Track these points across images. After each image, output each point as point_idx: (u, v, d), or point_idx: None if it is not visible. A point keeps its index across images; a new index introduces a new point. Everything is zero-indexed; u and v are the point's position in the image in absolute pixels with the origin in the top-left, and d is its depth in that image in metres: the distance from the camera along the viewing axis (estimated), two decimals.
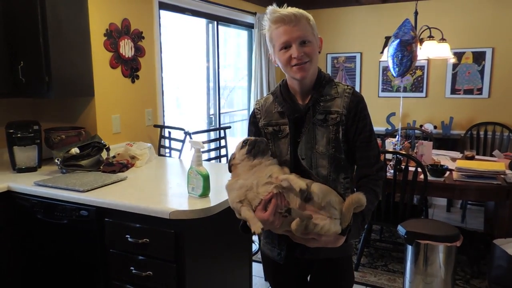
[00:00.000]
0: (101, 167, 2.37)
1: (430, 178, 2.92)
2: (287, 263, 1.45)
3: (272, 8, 1.33)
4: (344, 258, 1.47)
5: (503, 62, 4.38)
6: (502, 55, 4.37)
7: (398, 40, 3.05)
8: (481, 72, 4.47)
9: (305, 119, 1.36)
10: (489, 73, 4.43)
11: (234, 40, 4.85)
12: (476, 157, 3.64)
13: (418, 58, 3.19)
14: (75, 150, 2.35)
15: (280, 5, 1.37)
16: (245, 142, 1.32)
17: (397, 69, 3.11)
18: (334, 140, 1.34)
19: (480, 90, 4.50)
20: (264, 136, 1.43)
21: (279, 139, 1.40)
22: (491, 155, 3.57)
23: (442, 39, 3.48)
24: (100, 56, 2.68)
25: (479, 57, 4.45)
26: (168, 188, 2.13)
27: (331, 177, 1.35)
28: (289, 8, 1.33)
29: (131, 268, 1.80)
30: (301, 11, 1.32)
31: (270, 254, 1.49)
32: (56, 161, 2.28)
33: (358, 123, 1.35)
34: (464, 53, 4.50)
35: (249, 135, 1.50)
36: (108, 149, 2.50)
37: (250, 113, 1.52)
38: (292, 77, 1.36)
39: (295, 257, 1.43)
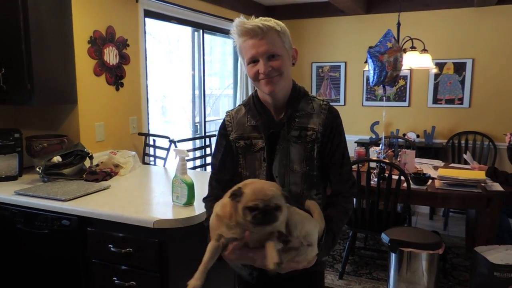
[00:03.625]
0: (84, 176, 2.33)
1: (413, 186, 2.96)
2: (259, 282, 1.36)
3: (238, 20, 1.27)
4: (317, 273, 1.45)
5: (483, 73, 4.49)
6: (482, 66, 4.49)
7: (368, 51, 3.14)
8: (462, 82, 4.57)
9: (280, 135, 1.31)
10: (470, 83, 4.54)
11: (219, 48, 4.87)
12: (456, 165, 3.71)
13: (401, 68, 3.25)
14: (57, 159, 2.31)
15: (259, 15, 1.31)
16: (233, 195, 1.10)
17: (371, 79, 3.20)
18: (309, 157, 1.32)
19: (461, 100, 4.60)
20: (235, 151, 1.37)
21: (251, 154, 1.34)
22: (465, 161, 3.64)
23: (424, 50, 3.56)
24: (84, 63, 2.65)
25: (460, 67, 4.56)
26: (152, 196, 2.11)
27: (303, 194, 1.33)
28: (257, 19, 1.26)
29: (114, 278, 1.77)
30: (269, 22, 1.25)
31: (242, 273, 1.39)
32: (38, 169, 2.24)
33: (333, 140, 1.33)
34: (445, 63, 4.60)
35: (217, 148, 1.43)
36: (91, 157, 2.47)
37: (220, 124, 1.44)
38: (262, 91, 1.32)
39: (267, 276, 1.29)
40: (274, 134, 1.32)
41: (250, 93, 4.94)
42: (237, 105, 4.83)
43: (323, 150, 1.33)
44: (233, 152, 1.38)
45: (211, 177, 1.44)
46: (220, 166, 1.40)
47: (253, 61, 1.26)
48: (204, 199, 1.43)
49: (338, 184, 1.35)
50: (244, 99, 4.72)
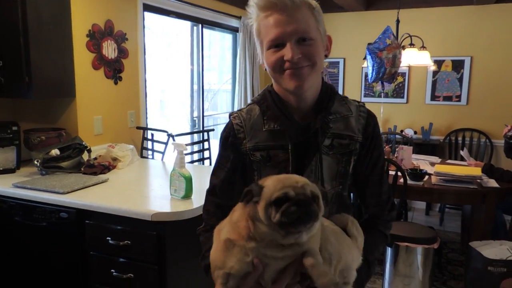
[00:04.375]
0: (82, 169, 2.34)
1: (409, 182, 2.98)
2: None
3: None
4: None
5: (480, 71, 4.51)
6: (480, 64, 4.50)
7: (367, 48, 3.16)
8: (460, 80, 4.58)
9: (309, 144, 1.03)
10: (468, 81, 4.55)
11: (218, 43, 4.86)
12: (453, 162, 3.73)
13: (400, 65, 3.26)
14: (55, 152, 2.32)
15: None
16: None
17: (370, 75, 3.21)
18: (343, 173, 1.06)
19: (458, 97, 4.61)
20: (248, 165, 1.07)
21: (267, 169, 1.04)
22: (462, 158, 3.66)
23: (423, 47, 3.56)
24: (82, 57, 2.65)
25: (458, 65, 4.57)
26: (150, 190, 2.12)
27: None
28: None
29: (112, 270, 1.78)
30: None
31: None
32: (36, 162, 2.24)
33: (373, 152, 1.08)
34: (443, 61, 4.61)
35: (220, 163, 1.11)
36: (89, 151, 2.48)
37: (224, 130, 1.11)
38: (284, 88, 1.01)
39: None
40: (299, 143, 1.03)
41: (248, 89, 4.96)
42: (235, 101, 4.52)
43: (360, 165, 1.08)
44: (244, 168, 1.08)
45: (208, 201, 1.12)
46: (225, 187, 1.09)
47: (276, 45, 0.96)
48: (199, 230, 1.12)
49: (377, 207, 1.11)
50: (242, 95, 4.75)
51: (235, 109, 1.46)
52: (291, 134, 1.02)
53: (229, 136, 1.09)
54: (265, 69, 1.04)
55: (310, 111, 1.05)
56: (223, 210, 1.00)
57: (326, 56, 1.03)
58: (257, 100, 1.10)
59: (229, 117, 1.12)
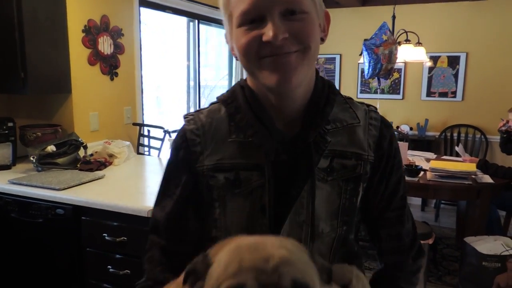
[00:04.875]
0: (78, 165, 2.34)
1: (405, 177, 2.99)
2: None
3: None
4: None
5: (476, 67, 4.52)
6: (476, 60, 4.51)
7: (364, 44, 3.17)
8: (456, 76, 4.60)
9: (298, 166, 0.74)
10: (463, 77, 4.57)
11: (215, 39, 4.85)
12: (448, 157, 3.76)
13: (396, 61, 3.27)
14: (51, 148, 2.31)
15: None
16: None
17: (366, 71, 3.23)
18: (347, 209, 0.77)
19: (454, 93, 4.63)
20: (207, 193, 0.77)
21: (236, 198, 0.75)
22: (457, 154, 3.69)
23: (418, 43, 3.57)
24: (78, 52, 2.64)
25: (453, 61, 4.59)
26: (147, 186, 2.12)
27: None
28: None
29: (108, 267, 1.79)
30: None
31: None
32: (32, 159, 2.23)
33: (390, 178, 0.80)
34: (439, 57, 4.62)
35: (166, 188, 0.81)
36: (85, 147, 2.47)
37: (174, 141, 0.83)
38: (262, 83, 0.72)
39: None
40: (281, 162, 0.73)
41: None
42: None
43: (373, 195, 0.81)
44: (200, 196, 0.77)
45: (151, 243, 0.79)
46: (172, 225, 0.78)
47: (252, 19, 0.68)
48: (138, 286, 0.79)
49: (396, 254, 0.84)
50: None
51: None
52: (268, 149, 0.72)
53: (180, 146, 0.78)
54: (235, 57, 0.75)
55: (299, 117, 0.76)
56: (170, 258, 0.76)
57: (322, 41, 0.76)
58: (223, 99, 0.80)
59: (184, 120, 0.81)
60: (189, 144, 0.78)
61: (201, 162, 0.77)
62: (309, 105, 0.77)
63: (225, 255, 0.51)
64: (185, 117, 0.82)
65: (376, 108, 0.84)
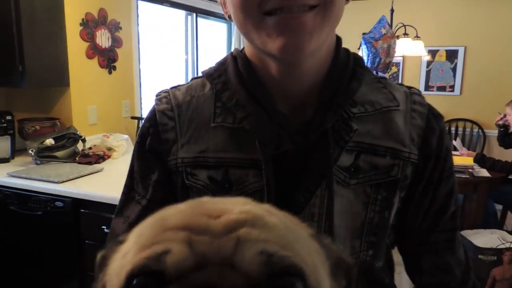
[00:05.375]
0: (77, 158, 2.34)
1: None
2: None
3: None
4: None
5: (474, 61, 4.53)
6: (474, 54, 4.52)
7: (363, 37, 3.17)
8: (454, 70, 4.60)
9: (309, 163, 0.56)
10: (461, 71, 4.57)
11: (213, 32, 4.84)
12: None
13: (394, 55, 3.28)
14: (49, 141, 2.32)
15: None
16: None
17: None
18: (377, 226, 0.58)
19: (452, 87, 4.64)
20: (181, 194, 0.60)
21: None
22: (454, 148, 3.71)
23: (417, 37, 3.57)
24: (76, 46, 2.63)
25: (452, 55, 4.59)
26: None
27: None
28: None
29: None
30: None
31: None
32: (30, 152, 2.24)
33: (438, 187, 0.61)
34: (437, 51, 4.62)
35: (133, 189, 0.65)
36: (84, 140, 2.48)
37: (143, 122, 0.65)
38: (262, 49, 0.54)
39: None
40: (286, 158, 0.56)
41: None
42: None
43: (414, 210, 0.62)
44: (179, 198, 0.60)
45: (103, 258, 0.42)
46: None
47: None
48: None
49: None
50: None
51: None
52: (266, 138, 0.54)
53: (147, 136, 0.61)
54: (228, 18, 0.59)
55: (311, 97, 0.58)
56: None
57: (347, 1, 0.59)
58: (208, 72, 0.62)
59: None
60: (159, 129, 0.59)
61: (174, 154, 0.58)
62: (327, 81, 0.57)
63: (146, 221, 0.33)
64: (157, 95, 0.64)
65: (420, 92, 0.63)
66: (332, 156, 0.55)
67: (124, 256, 0.31)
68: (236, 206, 0.31)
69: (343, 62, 0.60)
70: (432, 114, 0.62)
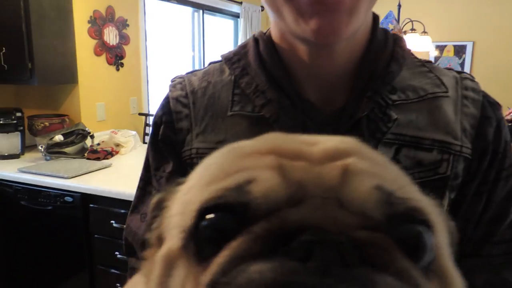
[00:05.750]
0: (86, 154, 2.38)
1: None
2: None
3: None
4: None
5: (483, 56, 4.49)
6: (482, 49, 4.48)
7: None
8: (462, 65, 4.57)
9: None
10: (469, 66, 4.54)
11: (220, 29, 4.85)
12: None
13: None
14: (59, 137, 2.35)
15: None
16: None
17: None
18: None
19: None
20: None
21: None
22: None
23: (424, 32, 3.55)
24: (84, 43, 2.66)
25: (460, 50, 4.55)
26: None
27: None
28: None
29: (116, 253, 1.83)
30: None
31: None
32: (40, 148, 2.28)
33: (495, 189, 0.53)
34: (445, 46, 4.59)
35: (148, 183, 0.62)
36: (92, 137, 2.51)
37: (156, 111, 0.60)
38: (292, 32, 0.48)
39: None
40: None
41: None
42: None
43: (465, 215, 0.53)
44: None
45: (132, 271, 0.60)
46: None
47: None
48: None
49: None
50: None
51: None
52: (287, 128, 0.46)
53: (160, 125, 0.57)
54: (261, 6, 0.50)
55: (342, 83, 0.52)
56: None
57: None
58: (227, 56, 0.57)
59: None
60: (173, 117, 0.55)
61: (188, 144, 0.54)
62: (362, 64, 0.52)
63: (212, 155, 0.29)
64: (172, 81, 0.60)
65: (473, 77, 0.55)
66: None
67: (188, 192, 0.25)
68: (332, 138, 0.25)
69: (381, 42, 0.53)
70: (488, 102, 0.53)
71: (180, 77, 0.59)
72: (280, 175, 0.21)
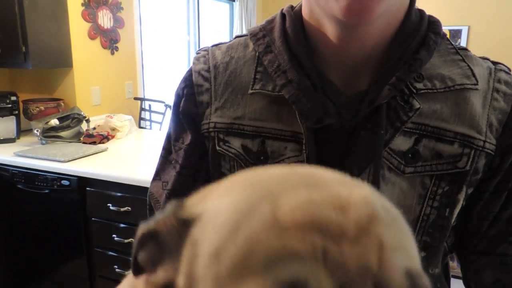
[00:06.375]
0: (82, 139, 2.38)
1: None
2: None
3: None
4: None
5: (478, 41, 4.49)
6: (477, 34, 4.48)
7: None
8: None
9: (358, 141, 0.49)
10: None
11: (215, 13, 4.81)
12: None
13: None
14: (54, 122, 2.35)
15: None
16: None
17: None
18: (433, 224, 0.50)
19: None
20: (214, 165, 0.56)
21: None
22: None
23: None
24: (78, 26, 2.64)
25: (455, 35, 4.55)
26: (149, 158, 2.17)
27: None
28: None
29: (114, 235, 1.85)
30: None
31: None
32: (36, 132, 2.28)
33: None
34: None
35: (169, 151, 0.63)
36: (88, 121, 2.51)
37: (180, 82, 0.60)
38: (323, 6, 0.47)
39: None
40: (331, 131, 0.50)
41: None
42: None
43: (481, 212, 0.53)
44: (210, 166, 0.57)
45: (152, 211, 0.66)
46: (179, 193, 0.58)
47: None
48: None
49: None
50: None
51: None
52: (306, 110, 0.48)
53: (181, 97, 0.58)
54: None
55: (369, 64, 0.51)
56: None
57: None
58: (253, 31, 0.56)
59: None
60: (194, 90, 0.56)
61: (207, 118, 0.55)
62: (391, 47, 0.50)
63: (235, 196, 0.25)
64: (197, 53, 0.59)
65: (509, 69, 0.54)
66: (383, 137, 0.47)
67: (217, 259, 0.23)
68: (348, 188, 0.25)
69: (413, 25, 0.50)
70: None
71: (204, 50, 0.59)
72: (329, 272, 0.21)
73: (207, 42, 4.40)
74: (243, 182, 0.26)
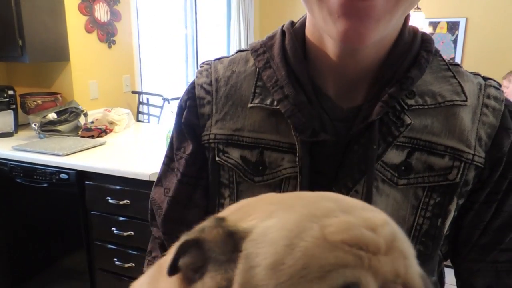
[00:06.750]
0: (80, 132, 2.38)
1: None
2: None
3: None
4: None
5: (476, 33, 4.49)
6: (475, 26, 4.47)
7: None
8: (455, 42, 4.57)
9: (351, 155, 0.51)
10: (462, 43, 4.54)
11: (212, 7, 4.78)
12: None
13: None
14: (52, 115, 2.35)
15: None
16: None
17: None
18: (426, 233, 0.53)
19: (453, 60, 4.58)
20: (214, 175, 0.58)
21: (253, 188, 0.55)
22: None
23: (417, 8, 3.54)
24: (75, 19, 2.63)
25: (453, 27, 4.54)
26: (147, 151, 2.17)
27: None
28: None
29: (113, 228, 1.86)
30: None
31: None
32: (34, 126, 2.27)
33: (506, 199, 0.54)
34: (439, 22, 4.58)
35: (171, 159, 0.65)
36: (85, 115, 2.51)
37: (182, 94, 0.63)
38: (322, 26, 0.48)
39: None
40: (326, 144, 0.52)
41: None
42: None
43: (472, 222, 0.55)
44: (209, 175, 0.59)
45: (153, 239, 0.70)
46: (173, 213, 0.63)
47: None
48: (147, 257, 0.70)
49: None
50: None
51: None
52: (300, 124, 0.51)
53: (184, 108, 0.60)
54: None
55: (365, 80, 0.53)
56: (172, 233, 0.63)
57: None
58: (254, 46, 0.58)
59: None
60: (196, 103, 0.59)
61: (207, 129, 0.57)
62: (384, 66, 0.52)
63: (282, 217, 0.30)
64: (200, 66, 0.62)
65: (499, 84, 0.56)
66: (375, 152, 0.50)
67: (277, 270, 0.27)
68: (371, 213, 0.32)
69: (406, 46, 0.53)
70: (509, 112, 0.53)
71: (207, 63, 0.62)
72: (373, 276, 0.28)
73: (205, 35, 4.39)
74: (283, 204, 0.32)
